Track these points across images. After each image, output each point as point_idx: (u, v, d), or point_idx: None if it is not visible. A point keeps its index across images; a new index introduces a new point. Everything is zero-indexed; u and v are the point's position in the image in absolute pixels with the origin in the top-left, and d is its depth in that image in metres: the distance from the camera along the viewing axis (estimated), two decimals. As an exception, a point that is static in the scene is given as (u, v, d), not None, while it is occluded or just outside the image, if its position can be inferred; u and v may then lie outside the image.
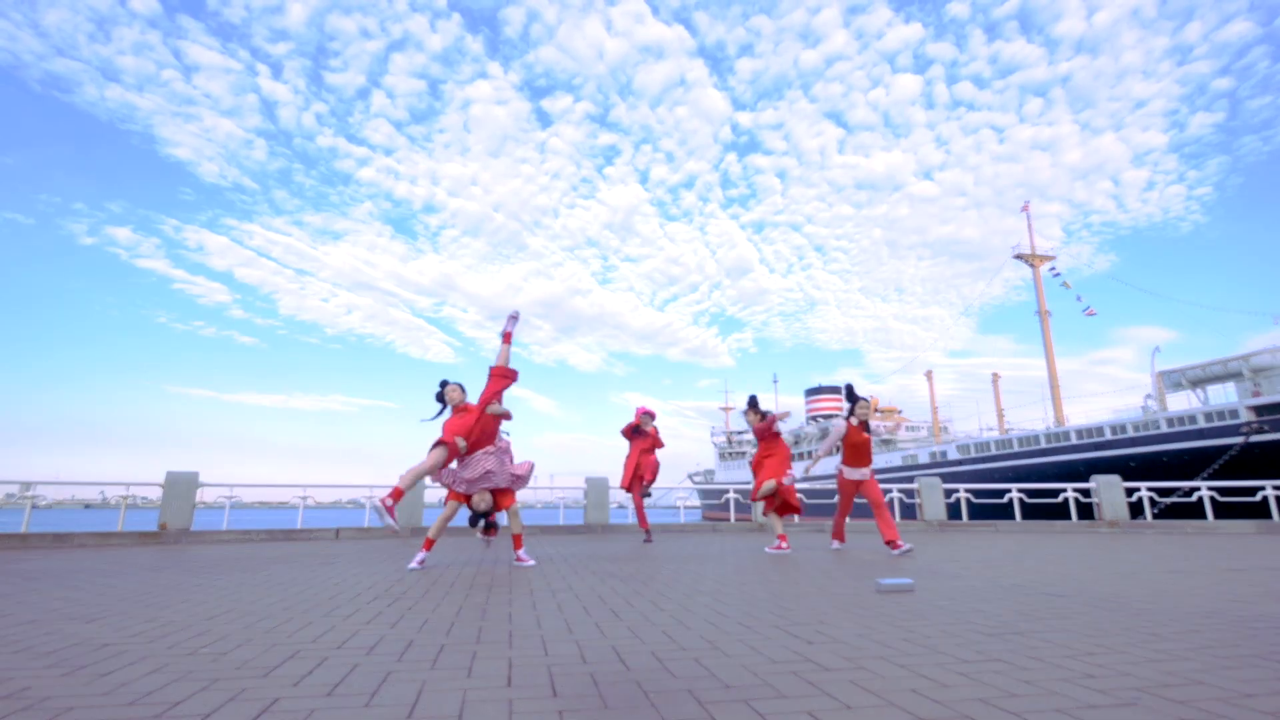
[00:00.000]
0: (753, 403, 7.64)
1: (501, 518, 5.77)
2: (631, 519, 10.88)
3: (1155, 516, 12.57)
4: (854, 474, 6.76)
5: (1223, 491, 14.98)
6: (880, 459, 50.56)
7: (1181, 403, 34.52)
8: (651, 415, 8.60)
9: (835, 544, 7.23)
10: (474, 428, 5.27)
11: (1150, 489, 12.39)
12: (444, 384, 5.61)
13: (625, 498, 9.36)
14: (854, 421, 6.78)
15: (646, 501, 8.72)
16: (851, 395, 6.93)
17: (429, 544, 5.31)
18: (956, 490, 12.48)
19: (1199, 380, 34.14)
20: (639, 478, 8.39)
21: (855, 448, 6.75)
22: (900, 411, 65.33)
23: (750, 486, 11.40)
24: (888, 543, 6.31)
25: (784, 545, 6.76)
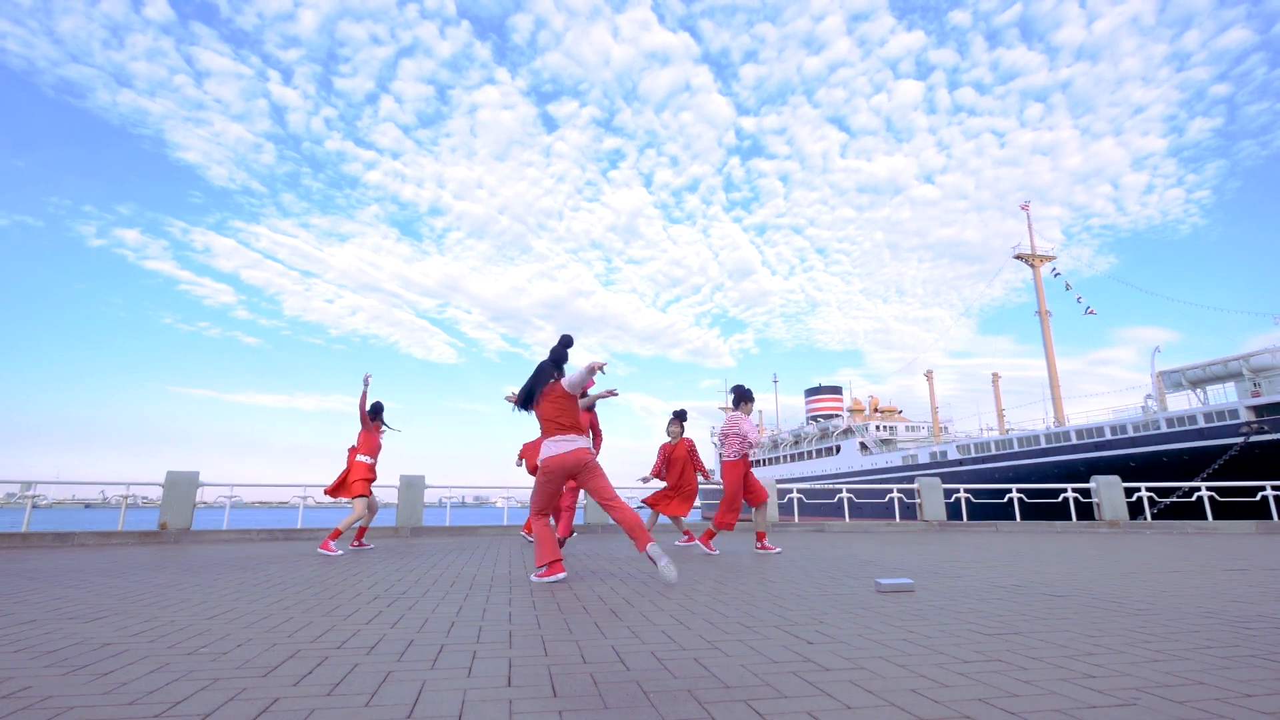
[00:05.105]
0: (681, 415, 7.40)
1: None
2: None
3: (1155, 516, 12.58)
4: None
5: (1222, 491, 14.97)
6: (880, 459, 50.57)
7: (1181, 403, 34.50)
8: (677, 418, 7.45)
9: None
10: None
11: (1150, 489, 12.39)
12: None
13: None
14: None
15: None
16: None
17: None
18: (956, 490, 12.48)
19: (1199, 380, 34.10)
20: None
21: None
22: (900, 411, 65.35)
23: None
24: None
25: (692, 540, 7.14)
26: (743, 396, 6.79)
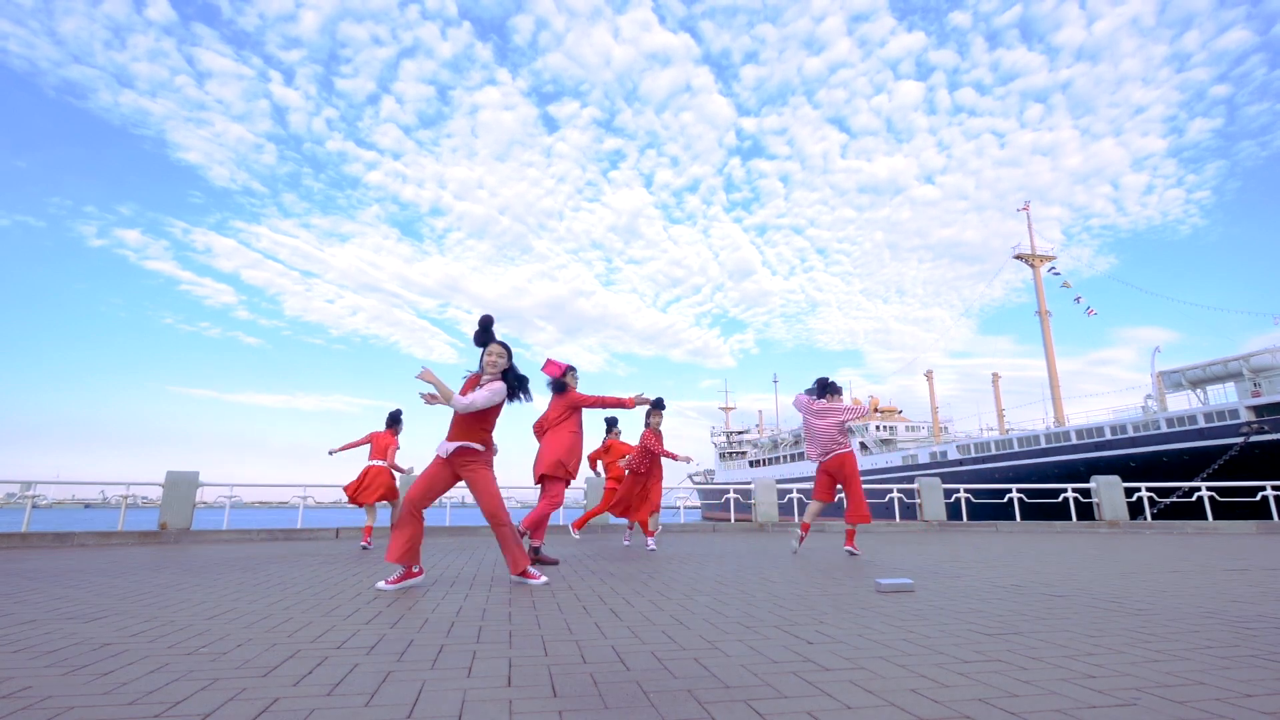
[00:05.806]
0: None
1: None
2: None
3: (1155, 516, 12.57)
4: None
5: (1222, 491, 14.96)
6: (880, 459, 50.56)
7: (1181, 403, 34.46)
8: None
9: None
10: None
11: (1150, 489, 12.39)
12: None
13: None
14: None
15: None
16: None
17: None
18: (956, 490, 12.48)
19: (1199, 380, 34.07)
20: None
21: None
22: (900, 411, 65.31)
23: (749, 488, 11.28)
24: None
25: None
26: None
